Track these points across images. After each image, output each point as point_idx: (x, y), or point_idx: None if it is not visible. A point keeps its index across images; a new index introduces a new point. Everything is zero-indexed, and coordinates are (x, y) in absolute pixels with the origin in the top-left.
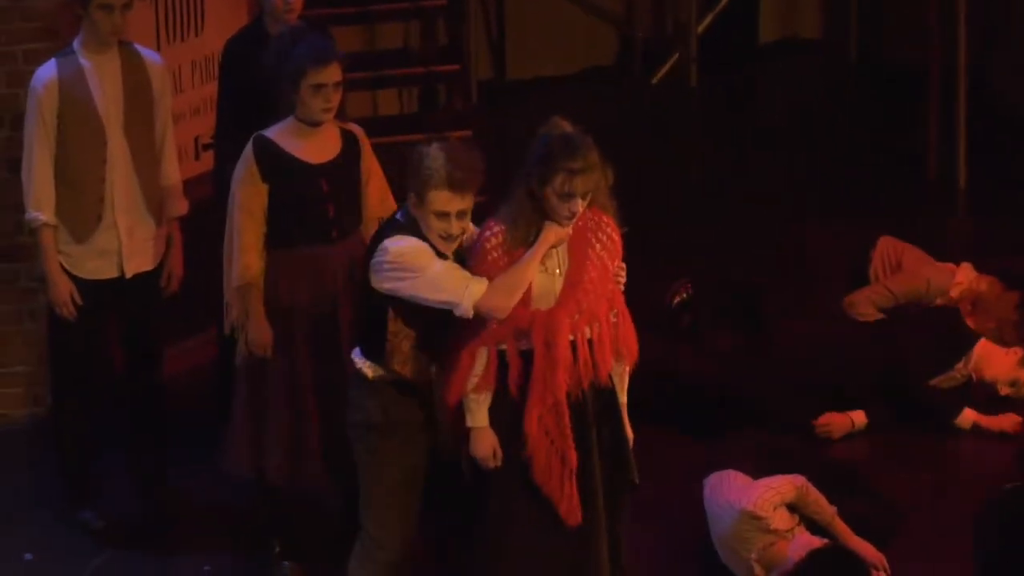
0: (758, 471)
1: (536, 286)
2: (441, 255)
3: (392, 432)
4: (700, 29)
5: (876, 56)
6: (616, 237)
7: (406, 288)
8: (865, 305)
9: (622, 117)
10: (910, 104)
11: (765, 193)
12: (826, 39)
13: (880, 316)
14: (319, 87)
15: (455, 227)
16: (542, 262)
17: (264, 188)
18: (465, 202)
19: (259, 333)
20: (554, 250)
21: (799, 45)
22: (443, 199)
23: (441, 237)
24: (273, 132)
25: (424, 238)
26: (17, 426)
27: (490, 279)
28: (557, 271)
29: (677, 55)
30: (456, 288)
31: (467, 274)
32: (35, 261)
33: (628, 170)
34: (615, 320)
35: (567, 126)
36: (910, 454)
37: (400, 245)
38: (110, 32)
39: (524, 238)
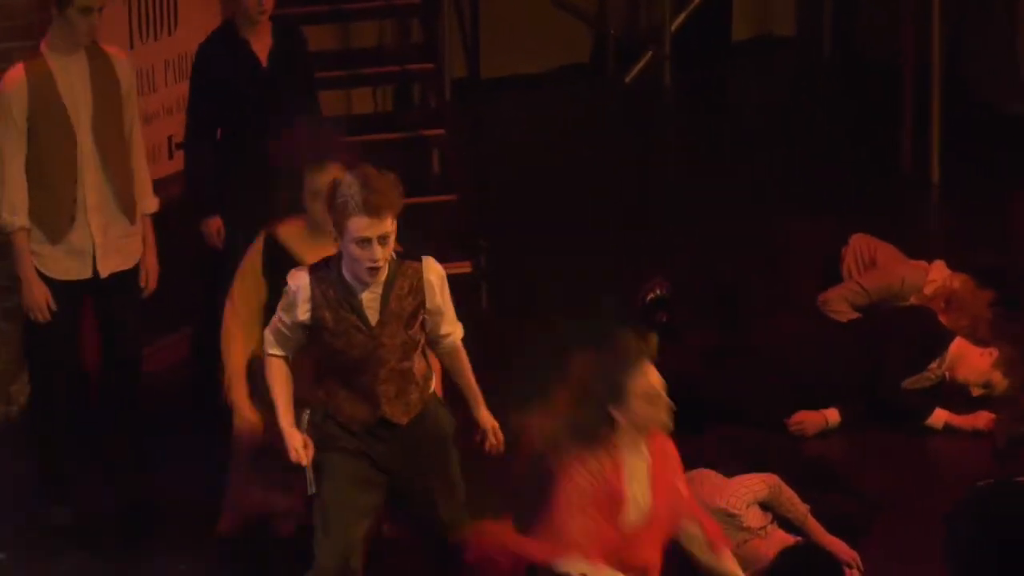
0: (732, 469)
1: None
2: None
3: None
4: (674, 27)
5: (850, 52)
6: (673, 451)
7: None
8: (839, 303)
9: (596, 115)
10: (884, 100)
11: (740, 190)
12: (799, 36)
13: (854, 314)
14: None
15: (378, 253)
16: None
17: (263, 283)
18: (385, 226)
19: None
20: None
21: (772, 42)
22: (362, 225)
23: (368, 269)
24: (284, 233)
25: (343, 286)
26: None
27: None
28: (640, 497)
29: (651, 53)
30: None
31: None
32: (8, 261)
33: (602, 168)
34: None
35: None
36: (884, 451)
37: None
38: (86, 34)
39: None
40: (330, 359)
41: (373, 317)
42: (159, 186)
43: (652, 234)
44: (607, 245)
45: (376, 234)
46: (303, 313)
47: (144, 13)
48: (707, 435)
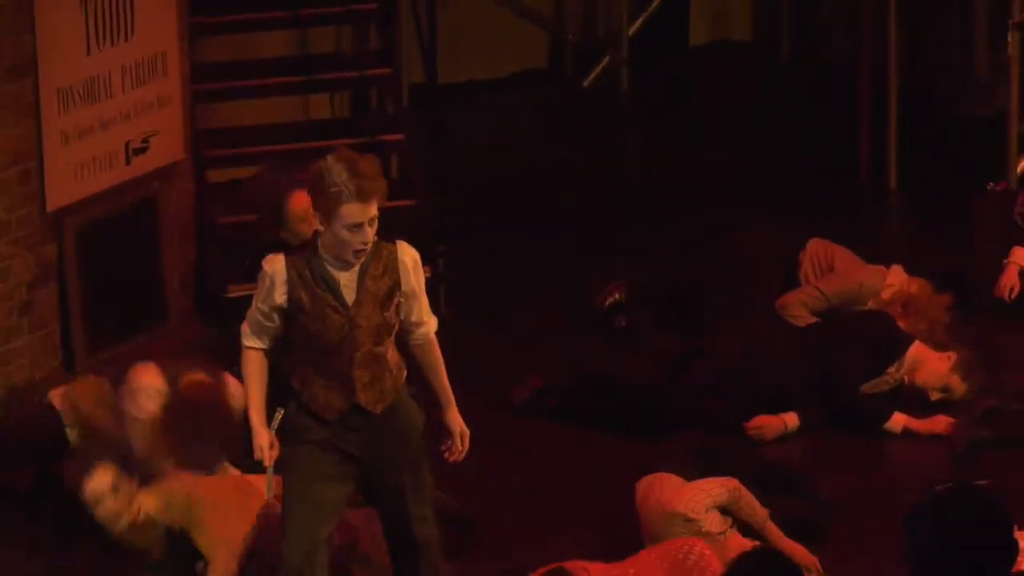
0: (692, 473)
1: None
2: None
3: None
4: (631, 31)
5: (807, 56)
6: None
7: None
8: (797, 307)
9: (554, 120)
10: (841, 104)
11: (698, 194)
12: (757, 40)
13: (812, 319)
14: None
15: (369, 235)
16: None
17: None
18: (373, 209)
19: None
20: None
21: (730, 47)
22: (355, 211)
23: (356, 251)
24: None
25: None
26: None
27: None
28: None
29: (608, 58)
30: None
31: None
32: None
33: (561, 173)
34: None
35: None
36: (843, 455)
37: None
38: None
39: None
40: (306, 343)
41: (349, 297)
42: (117, 192)
43: (611, 238)
44: (567, 249)
45: (367, 218)
46: (280, 296)
47: (101, 19)
48: (666, 439)
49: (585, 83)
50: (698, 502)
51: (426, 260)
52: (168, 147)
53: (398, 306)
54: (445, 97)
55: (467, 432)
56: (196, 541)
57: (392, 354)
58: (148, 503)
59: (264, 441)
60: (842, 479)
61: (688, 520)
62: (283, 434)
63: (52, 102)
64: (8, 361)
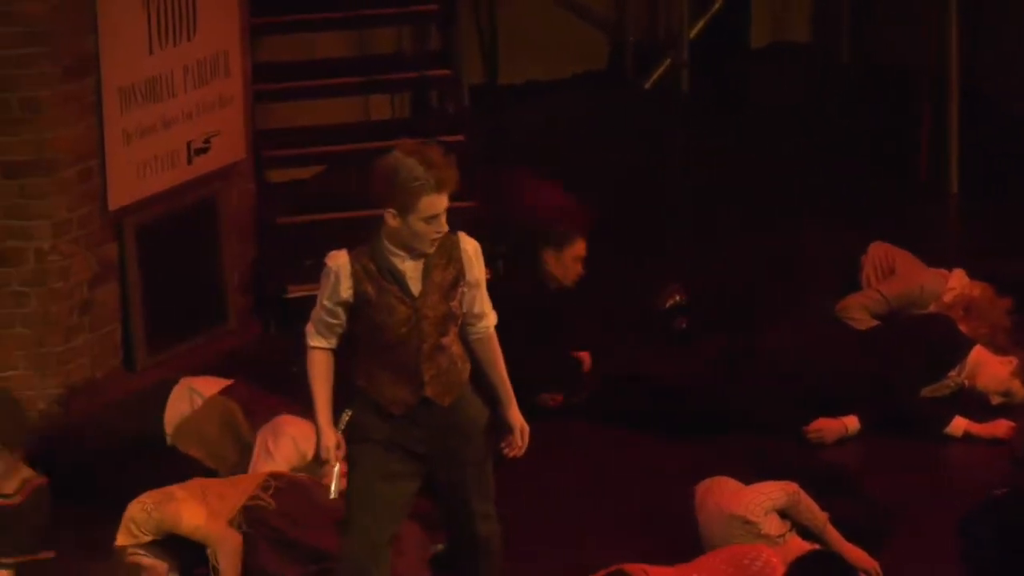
0: (749, 476)
1: None
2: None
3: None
4: (692, 33)
5: (867, 58)
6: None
7: None
8: (858, 311)
9: (614, 122)
10: (902, 107)
11: (757, 197)
12: (816, 42)
13: (873, 322)
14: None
15: (444, 224)
16: None
17: None
18: (448, 199)
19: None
20: None
21: (790, 49)
22: (434, 202)
23: (431, 240)
24: None
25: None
26: None
27: None
28: None
29: (669, 60)
30: None
31: None
32: (25, 265)
33: (619, 174)
34: None
35: None
36: (903, 459)
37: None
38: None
39: None
40: (372, 338)
41: (415, 288)
42: (177, 191)
43: (670, 240)
44: (624, 250)
45: (443, 208)
46: (346, 290)
47: (163, 19)
48: (725, 442)
49: (645, 85)
50: (757, 505)
51: (486, 262)
52: (229, 147)
53: (461, 297)
54: (505, 98)
55: (527, 428)
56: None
57: (457, 347)
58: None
59: (331, 441)
60: (901, 482)
61: (747, 523)
62: (348, 433)
63: (114, 101)
64: (69, 360)
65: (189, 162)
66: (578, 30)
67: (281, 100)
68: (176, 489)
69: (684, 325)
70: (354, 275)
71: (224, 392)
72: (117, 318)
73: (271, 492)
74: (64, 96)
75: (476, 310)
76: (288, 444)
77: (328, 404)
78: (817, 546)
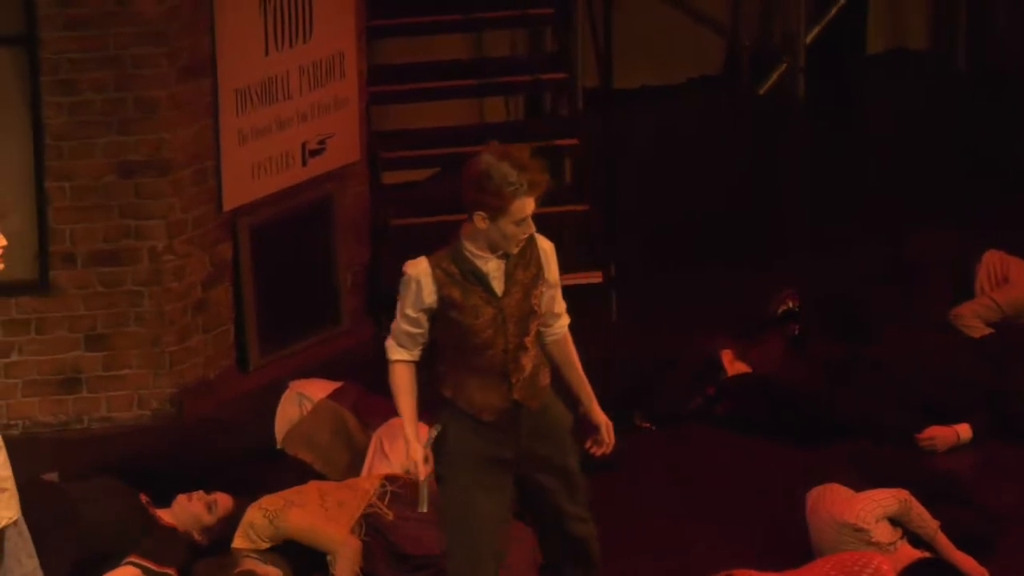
0: (861, 483)
1: None
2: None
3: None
4: (808, 39)
5: (984, 66)
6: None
7: None
8: (971, 318)
9: (728, 127)
10: (1019, 115)
11: (872, 203)
12: (934, 49)
13: (986, 330)
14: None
15: (531, 226)
16: None
17: None
18: (536, 201)
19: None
20: None
21: (907, 55)
22: (526, 205)
23: (519, 241)
24: None
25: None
26: (122, 429)
27: None
28: None
29: (785, 65)
30: None
31: None
32: (140, 264)
33: (734, 179)
34: None
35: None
36: (1015, 467)
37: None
38: None
39: None
40: (458, 344)
41: (499, 287)
42: (292, 193)
43: (783, 245)
44: (738, 255)
45: (532, 210)
46: (429, 296)
47: (279, 21)
48: (836, 449)
49: (761, 90)
50: (868, 512)
51: (598, 265)
52: (344, 148)
53: (540, 296)
54: (620, 102)
55: (611, 424)
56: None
57: (537, 350)
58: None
59: (419, 456)
60: (1013, 491)
61: (858, 530)
62: (438, 447)
63: (230, 102)
64: (182, 360)
65: (304, 163)
66: (693, 35)
67: (396, 102)
68: (294, 495)
69: (797, 331)
70: (436, 280)
71: (333, 396)
72: (231, 318)
73: (388, 499)
74: (180, 97)
75: (555, 309)
76: (404, 447)
77: (415, 417)
78: (928, 554)
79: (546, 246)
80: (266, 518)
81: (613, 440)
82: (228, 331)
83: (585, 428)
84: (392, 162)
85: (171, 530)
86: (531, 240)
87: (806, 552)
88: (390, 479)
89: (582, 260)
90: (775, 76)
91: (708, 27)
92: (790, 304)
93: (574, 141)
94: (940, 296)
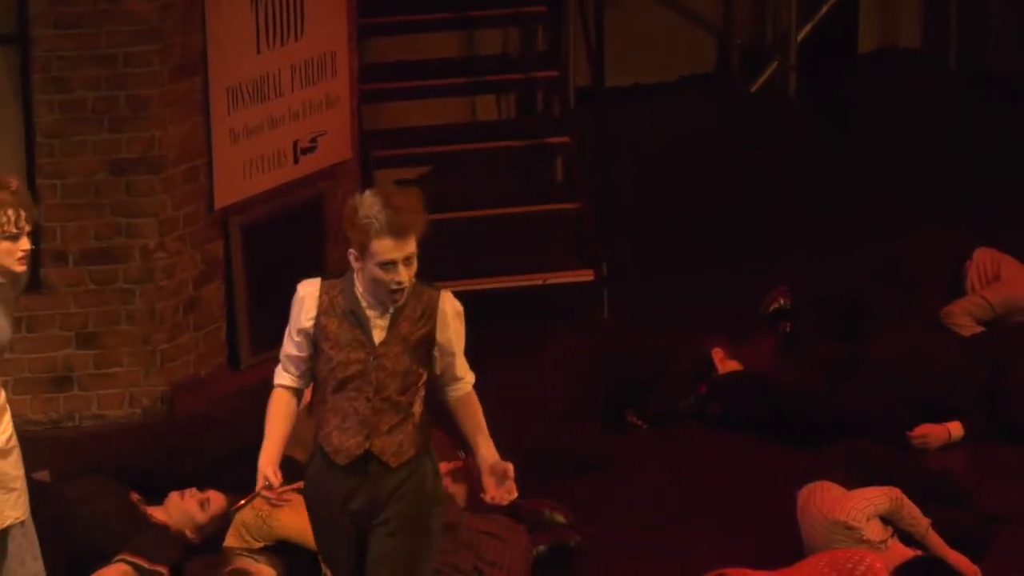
0: (852, 481)
1: None
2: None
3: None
4: (800, 37)
5: (976, 64)
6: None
7: None
8: (962, 316)
9: (720, 125)
10: (1010, 113)
11: (864, 202)
12: (925, 48)
13: (977, 328)
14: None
15: (404, 275)
16: None
17: None
18: (410, 247)
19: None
20: None
21: (898, 54)
22: (387, 247)
23: (391, 290)
24: None
25: (353, 300)
26: (113, 427)
27: None
28: None
29: (776, 63)
30: None
31: None
32: (131, 262)
33: (726, 177)
34: None
35: None
36: (1007, 465)
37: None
38: None
39: None
40: (328, 377)
41: (378, 336)
42: (284, 191)
43: (775, 244)
44: (729, 253)
45: (401, 256)
46: (307, 320)
47: (271, 18)
48: (828, 447)
49: (752, 88)
50: (860, 511)
51: (589, 264)
52: (336, 147)
53: (430, 357)
54: (611, 100)
55: (510, 465)
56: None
57: (418, 408)
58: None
59: (269, 471)
60: (1006, 490)
61: (849, 528)
62: (308, 482)
63: (222, 100)
64: (174, 358)
65: (295, 162)
66: (685, 33)
67: (388, 100)
68: (291, 494)
69: (788, 329)
70: (319, 306)
71: None
72: (222, 316)
73: None
74: (172, 95)
75: (453, 374)
76: None
77: (277, 443)
78: (920, 552)
79: (449, 307)
80: (259, 517)
81: (510, 484)
82: (220, 329)
83: (480, 476)
84: (384, 160)
85: (163, 528)
86: (431, 296)
87: (800, 550)
88: None
89: (573, 259)
90: (767, 74)
91: (700, 25)
92: (782, 302)
93: (566, 139)
94: (935, 294)
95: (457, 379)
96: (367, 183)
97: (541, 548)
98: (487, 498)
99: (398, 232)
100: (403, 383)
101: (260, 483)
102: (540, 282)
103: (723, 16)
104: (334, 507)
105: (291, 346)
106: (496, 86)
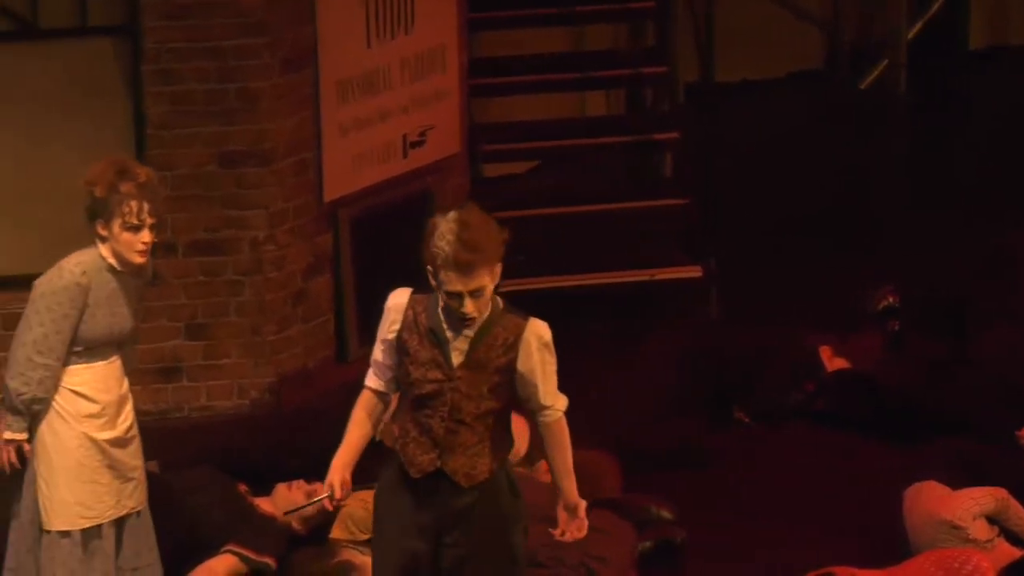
0: (958, 481)
1: None
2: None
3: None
4: (910, 35)
5: None
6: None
7: None
8: None
9: (829, 122)
10: None
11: (972, 199)
12: None
13: None
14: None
15: (469, 307)
16: None
17: None
18: (477, 281)
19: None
20: None
21: (1010, 51)
22: (452, 279)
23: (461, 319)
24: None
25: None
26: (221, 418)
27: None
28: None
29: (886, 61)
30: None
31: None
32: (240, 254)
33: (833, 175)
34: None
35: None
36: None
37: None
38: None
39: None
40: (408, 390)
41: (457, 358)
42: (392, 184)
43: (882, 242)
44: (837, 250)
45: (467, 289)
46: (391, 332)
47: (381, 12)
48: (933, 446)
49: (861, 85)
50: (966, 510)
51: (697, 260)
52: (444, 141)
53: (512, 384)
54: (720, 96)
55: (582, 504)
56: None
57: (496, 434)
58: None
59: (335, 479)
60: None
61: (955, 528)
62: (382, 484)
63: (332, 93)
64: (281, 349)
65: (404, 155)
66: (794, 29)
67: (496, 95)
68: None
69: (896, 327)
70: (404, 319)
71: None
72: (330, 309)
73: None
74: (282, 88)
75: (538, 402)
76: None
77: (352, 448)
78: None
79: (533, 337)
80: (366, 509)
81: (582, 523)
82: (328, 321)
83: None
84: (492, 155)
85: (270, 519)
86: (518, 325)
87: (905, 550)
88: None
89: (680, 255)
90: (876, 72)
91: (809, 21)
92: (890, 300)
93: (674, 135)
94: None
95: (543, 407)
96: (474, 178)
97: (647, 544)
98: (557, 533)
99: (463, 268)
100: (479, 407)
101: (325, 489)
102: (647, 278)
103: (832, 13)
104: (403, 516)
105: (379, 352)
106: (604, 82)
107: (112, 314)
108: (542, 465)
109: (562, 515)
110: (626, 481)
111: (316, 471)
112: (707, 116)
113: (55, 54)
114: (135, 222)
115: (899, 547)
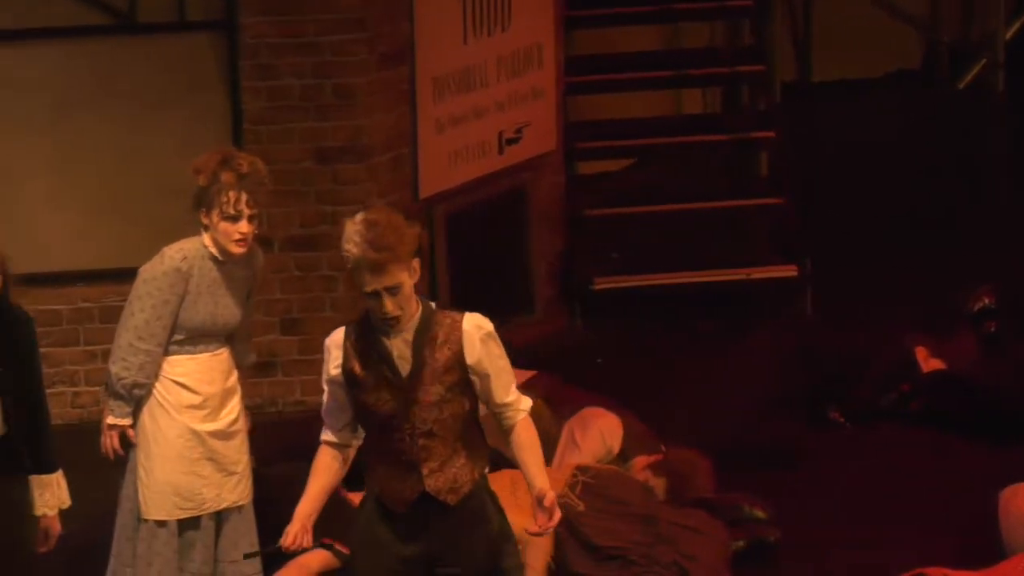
0: None
1: None
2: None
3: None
4: (1008, 35)
5: None
6: None
7: None
8: None
9: (926, 122)
10: None
11: None
12: None
13: None
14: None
15: (389, 306)
16: None
17: None
18: (391, 278)
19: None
20: None
21: None
22: (366, 280)
23: (382, 320)
24: None
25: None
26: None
27: None
28: None
29: (984, 60)
30: None
31: None
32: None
33: (930, 175)
34: None
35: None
36: None
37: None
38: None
39: None
40: (366, 424)
41: (404, 368)
42: (487, 181)
43: (980, 241)
44: (933, 250)
45: (383, 286)
46: (334, 368)
47: (478, 9)
48: None
49: (959, 85)
50: None
51: (792, 259)
52: (540, 138)
53: (468, 383)
54: (817, 96)
55: (552, 495)
56: None
57: (469, 438)
58: None
59: (292, 529)
60: None
61: None
62: (355, 529)
63: (428, 90)
64: None
65: (500, 152)
66: (892, 29)
67: (592, 93)
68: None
69: (993, 328)
70: (344, 352)
71: (526, 385)
72: None
73: (579, 489)
74: (378, 84)
75: (498, 399)
76: (596, 437)
77: (313, 499)
78: None
79: (471, 327)
80: None
81: (553, 515)
82: None
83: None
84: (587, 152)
85: None
86: (453, 319)
87: (999, 551)
88: (581, 469)
89: (776, 254)
90: (974, 71)
91: (906, 22)
92: (987, 301)
93: (771, 134)
94: None
95: (503, 405)
96: (570, 175)
97: (740, 543)
98: (533, 530)
99: (374, 268)
100: (441, 412)
101: (284, 538)
102: (743, 277)
103: (930, 13)
104: (384, 555)
105: (327, 397)
106: (701, 80)
107: (215, 303)
108: (637, 462)
109: (539, 513)
110: (720, 480)
111: None
112: (804, 115)
113: (153, 49)
114: (232, 212)
115: (994, 548)
